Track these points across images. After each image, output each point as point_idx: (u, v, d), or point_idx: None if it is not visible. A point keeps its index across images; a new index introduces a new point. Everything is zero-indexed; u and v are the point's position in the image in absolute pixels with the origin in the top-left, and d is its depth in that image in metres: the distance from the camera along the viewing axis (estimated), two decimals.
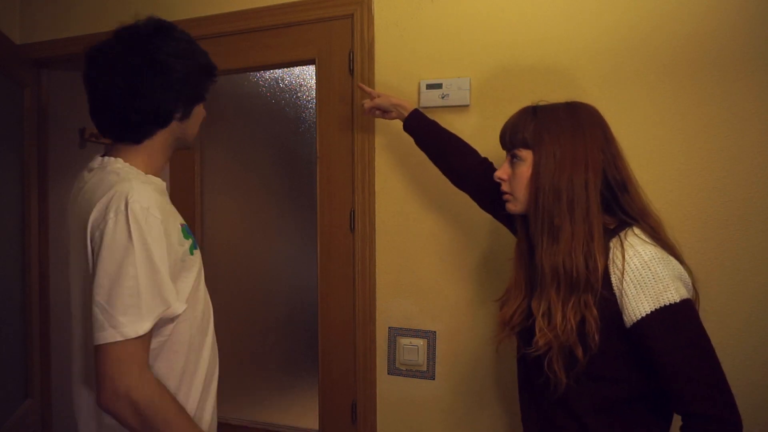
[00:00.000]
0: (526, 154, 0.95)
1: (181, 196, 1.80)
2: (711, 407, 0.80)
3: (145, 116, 0.96)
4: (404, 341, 1.53)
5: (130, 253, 0.84)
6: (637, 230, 0.89)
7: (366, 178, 1.55)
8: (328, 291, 1.62)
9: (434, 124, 1.31)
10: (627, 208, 0.92)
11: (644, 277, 0.83)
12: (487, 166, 1.24)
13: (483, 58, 1.43)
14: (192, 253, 0.99)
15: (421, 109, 1.45)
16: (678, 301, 0.82)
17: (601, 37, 1.33)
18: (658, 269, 0.83)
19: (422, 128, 1.31)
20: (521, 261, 1.05)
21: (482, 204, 1.28)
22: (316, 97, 1.64)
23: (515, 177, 0.97)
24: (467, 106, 1.44)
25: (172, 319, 0.94)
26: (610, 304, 0.86)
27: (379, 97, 1.36)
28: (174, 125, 1.01)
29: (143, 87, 0.94)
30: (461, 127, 1.45)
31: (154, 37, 0.96)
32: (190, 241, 1.00)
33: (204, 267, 1.07)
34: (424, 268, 1.51)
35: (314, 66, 1.64)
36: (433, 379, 1.51)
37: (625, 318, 0.86)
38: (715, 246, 1.25)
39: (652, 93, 1.29)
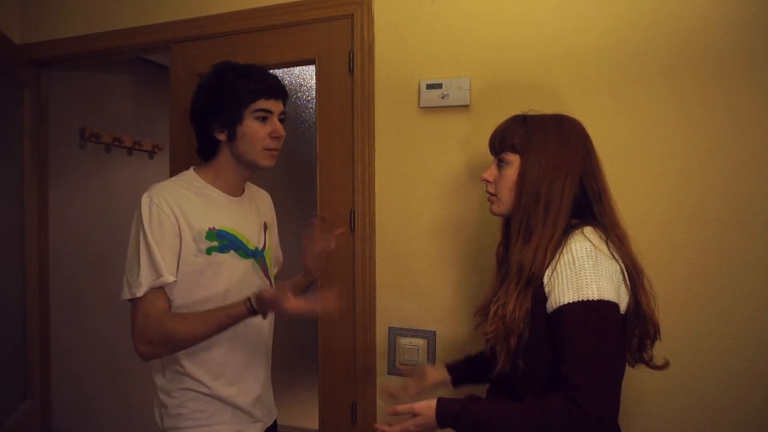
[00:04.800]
0: (514, 158, 1.02)
1: None
2: (583, 397, 0.83)
3: (199, 142, 1.27)
4: (404, 341, 1.53)
5: (136, 235, 1.13)
6: (588, 229, 0.94)
7: (366, 178, 1.55)
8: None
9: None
10: (599, 216, 0.99)
11: (570, 270, 0.89)
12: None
13: (483, 58, 1.43)
14: (209, 254, 1.17)
15: (421, 109, 1.46)
16: (596, 299, 0.86)
17: (602, 36, 1.33)
18: (585, 265, 0.89)
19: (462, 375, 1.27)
20: (499, 259, 1.13)
21: None
22: (316, 97, 1.64)
23: (501, 179, 1.04)
24: (467, 106, 1.44)
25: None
26: (540, 292, 0.93)
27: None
28: (225, 146, 1.23)
29: (192, 121, 1.26)
30: (461, 126, 1.45)
31: (200, 80, 1.27)
32: (212, 243, 1.17)
33: None
34: (424, 268, 1.51)
35: (314, 66, 1.64)
36: None
37: (547, 305, 0.91)
38: (716, 246, 1.25)
39: (652, 92, 1.29)
